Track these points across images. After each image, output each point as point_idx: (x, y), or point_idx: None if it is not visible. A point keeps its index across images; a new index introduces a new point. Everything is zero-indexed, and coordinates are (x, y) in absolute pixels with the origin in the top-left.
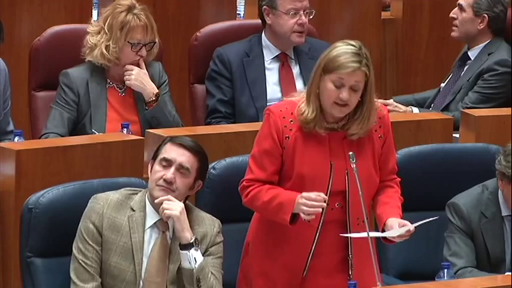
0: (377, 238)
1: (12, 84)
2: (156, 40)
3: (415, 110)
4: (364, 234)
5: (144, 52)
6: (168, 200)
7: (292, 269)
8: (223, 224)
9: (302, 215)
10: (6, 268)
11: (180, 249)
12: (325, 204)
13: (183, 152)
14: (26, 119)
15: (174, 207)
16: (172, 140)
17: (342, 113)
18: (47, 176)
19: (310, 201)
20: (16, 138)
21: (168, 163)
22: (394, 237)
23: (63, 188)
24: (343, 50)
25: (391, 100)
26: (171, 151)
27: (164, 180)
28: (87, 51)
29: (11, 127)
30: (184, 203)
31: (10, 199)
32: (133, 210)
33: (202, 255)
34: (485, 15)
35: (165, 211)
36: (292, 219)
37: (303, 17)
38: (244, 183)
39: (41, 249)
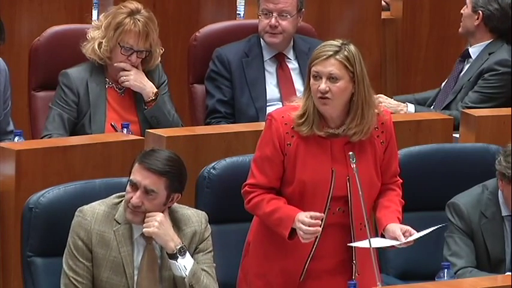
0: (377, 237)
1: (12, 84)
2: (156, 50)
3: (411, 107)
4: (368, 244)
5: (134, 58)
6: (147, 215)
7: (290, 272)
8: (224, 224)
9: (300, 238)
10: (6, 268)
11: (168, 258)
12: (320, 229)
13: (147, 175)
14: (26, 119)
15: (151, 223)
16: (140, 159)
17: (324, 105)
18: (47, 176)
19: (305, 226)
20: (16, 138)
21: (134, 186)
22: (400, 245)
23: (64, 188)
24: (323, 44)
25: (380, 94)
26: (137, 173)
27: (132, 204)
28: (84, 44)
29: (11, 127)
30: (169, 207)
31: (10, 199)
32: (119, 223)
33: (193, 254)
34: (480, 12)
35: (143, 230)
36: (291, 234)
37: (273, 20)
38: (246, 188)
39: (42, 248)
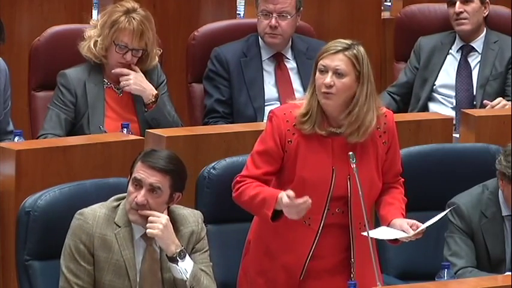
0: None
1: (12, 84)
2: (153, 50)
3: None
4: (385, 235)
5: (129, 57)
6: (152, 215)
7: (291, 270)
8: (224, 224)
9: (287, 214)
10: (6, 270)
11: (168, 260)
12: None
13: (152, 173)
14: (26, 119)
15: (156, 225)
16: (143, 158)
17: (327, 100)
18: (47, 176)
19: (289, 200)
20: (16, 138)
21: (139, 184)
22: (410, 237)
23: (59, 190)
24: (333, 41)
25: (500, 98)
26: (141, 171)
27: (136, 203)
28: (81, 42)
29: (11, 127)
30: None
31: (10, 199)
32: (119, 226)
33: (190, 253)
34: (488, 1)
35: (147, 231)
36: (275, 217)
37: (273, 20)
38: (237, 178)
39: (39, 252)
